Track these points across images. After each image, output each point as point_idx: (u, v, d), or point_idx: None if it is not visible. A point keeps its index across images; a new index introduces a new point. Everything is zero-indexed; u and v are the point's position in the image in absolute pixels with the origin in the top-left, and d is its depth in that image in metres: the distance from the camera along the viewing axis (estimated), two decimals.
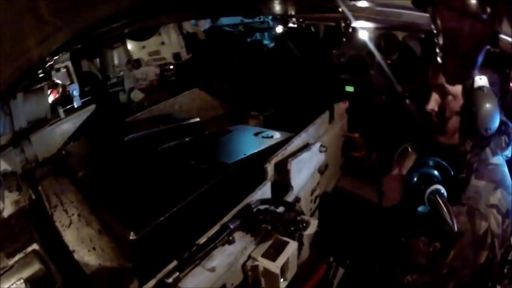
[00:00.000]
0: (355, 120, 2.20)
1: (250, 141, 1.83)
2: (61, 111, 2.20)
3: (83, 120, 2.27)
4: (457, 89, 1.39)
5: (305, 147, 1.74)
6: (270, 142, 1.80)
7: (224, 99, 3.52)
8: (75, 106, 2.26)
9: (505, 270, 1.41)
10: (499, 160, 1.41)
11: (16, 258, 1.29)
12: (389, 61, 2.48)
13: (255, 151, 1.70)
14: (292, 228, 1.26)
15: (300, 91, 3.24)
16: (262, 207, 1.29)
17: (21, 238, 1.37)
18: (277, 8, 2.87)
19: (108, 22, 2.06)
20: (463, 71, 1.29)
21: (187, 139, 1.93)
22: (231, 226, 1.20)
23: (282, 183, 1.56)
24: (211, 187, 1.40)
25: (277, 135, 1.90)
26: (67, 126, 2.21)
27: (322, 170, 1.87)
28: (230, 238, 1.18)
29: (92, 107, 2.30)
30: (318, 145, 1.78)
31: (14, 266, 1.25)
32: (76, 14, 1.09)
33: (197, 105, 3.21)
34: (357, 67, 2.83)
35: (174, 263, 1.09)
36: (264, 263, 1.22)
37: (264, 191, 1.42)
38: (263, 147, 1.74)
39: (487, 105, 1.31)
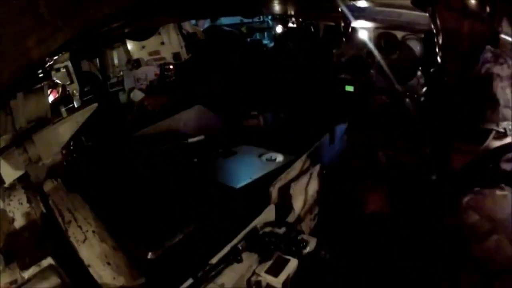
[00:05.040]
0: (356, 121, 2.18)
1: (254, 164, 1.93)
2: (63, 110, 2.18)
3: (85, 119, 2.25)
4: None
5: (306, 170, 1.83)
6: (273, 166, 1.90)
7: (224, 99, 3.51)
8: (75, 106, 2.25)
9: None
10: None
11: (31, 270, 1.31)
12: (388, 61, 2.48)
13: (260, 175, 1.80)
14: (293, 248, 1.42)
15: (300, 90, 3.24)
16: (267, 229, 1.46)
17: (36, 251, 1.39)
18: (277, 8, 2.87)
19: (108, 22, 2.06)
20: (463, 70, 1.29)
21: (195, 160, 2.06)
22: (240, 248, 1.35)
23: (284, 204, 1.67)
24: (221, 211, 1.53)
25: (279, 158, 2.01)
26: (69, 125, 2.19)
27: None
28: (239, 258, 1.34)
29: (94, 106, 2.29)
30: (317, 167, 1.88)
31: (32, 280, 1.28)
32: (76, 14, 1.09)
33: (201, 122, 3.28)
34: (357, 67, 2.83)
35: (190, 280, 1.21)
36: (267, 278, 1.35)
37: (269, 213, 1.56)
38: (266, 171, 1.84)
39: None
